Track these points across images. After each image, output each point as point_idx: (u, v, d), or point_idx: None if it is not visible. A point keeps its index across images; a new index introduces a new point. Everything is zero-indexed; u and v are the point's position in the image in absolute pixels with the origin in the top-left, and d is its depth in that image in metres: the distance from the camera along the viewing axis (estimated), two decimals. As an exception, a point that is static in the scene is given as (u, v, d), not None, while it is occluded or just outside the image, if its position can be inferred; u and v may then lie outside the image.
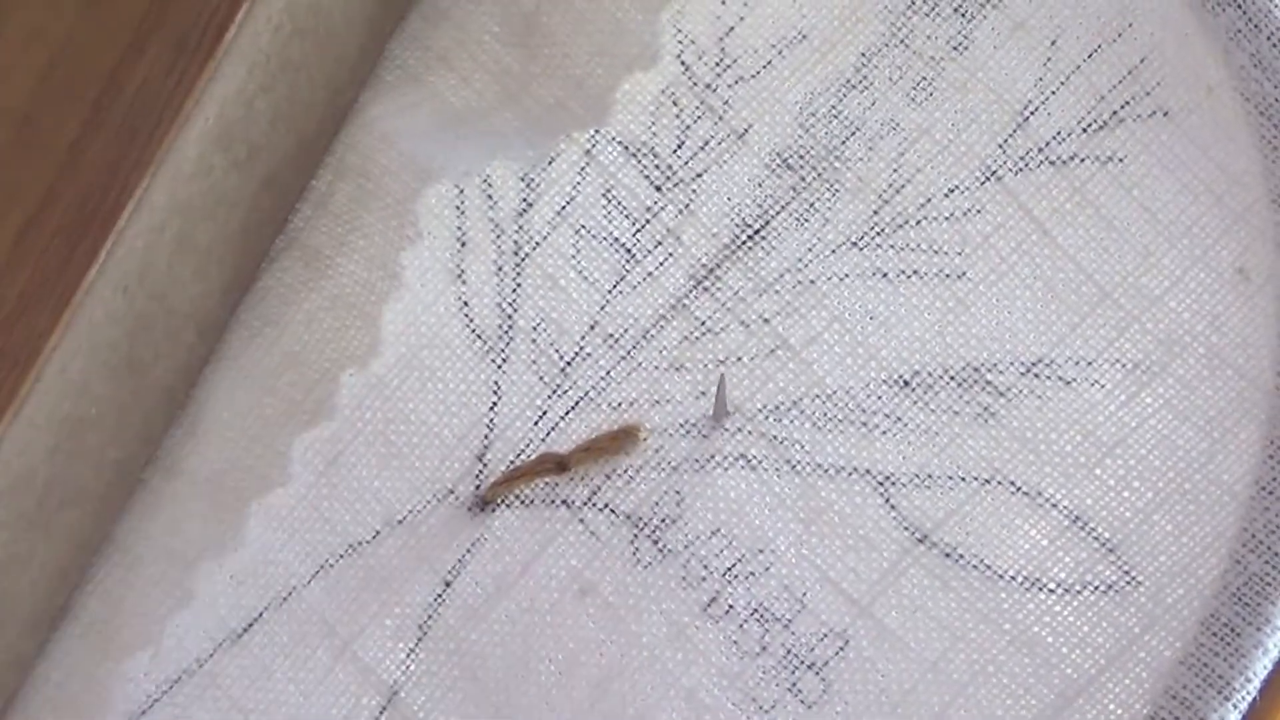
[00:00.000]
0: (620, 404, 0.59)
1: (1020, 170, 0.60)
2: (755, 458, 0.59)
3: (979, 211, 0.60)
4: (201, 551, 0.58)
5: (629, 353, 0.60)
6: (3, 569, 0.55)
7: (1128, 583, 0.58)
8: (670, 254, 0.60)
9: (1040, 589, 0.58)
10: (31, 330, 0.53)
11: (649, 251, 0.60)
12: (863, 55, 0.61)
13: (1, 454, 0.53)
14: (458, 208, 0.60)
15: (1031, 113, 0.60)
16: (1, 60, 0.54)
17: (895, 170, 0.60)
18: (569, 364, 0.60)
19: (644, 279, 0.60)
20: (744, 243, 0.60)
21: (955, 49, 0.60)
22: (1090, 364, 0.59)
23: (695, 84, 0.61)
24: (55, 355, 0.53)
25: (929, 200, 0.60)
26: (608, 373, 0.60)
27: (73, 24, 0.55)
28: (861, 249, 0.60)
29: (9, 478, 0.53)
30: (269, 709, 0.58)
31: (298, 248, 0.61)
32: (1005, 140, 0.60)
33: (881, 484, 0.59)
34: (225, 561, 0.59)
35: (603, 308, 0.60)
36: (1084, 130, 0.60)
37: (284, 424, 0.59)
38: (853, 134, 0.60)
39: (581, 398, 0.60)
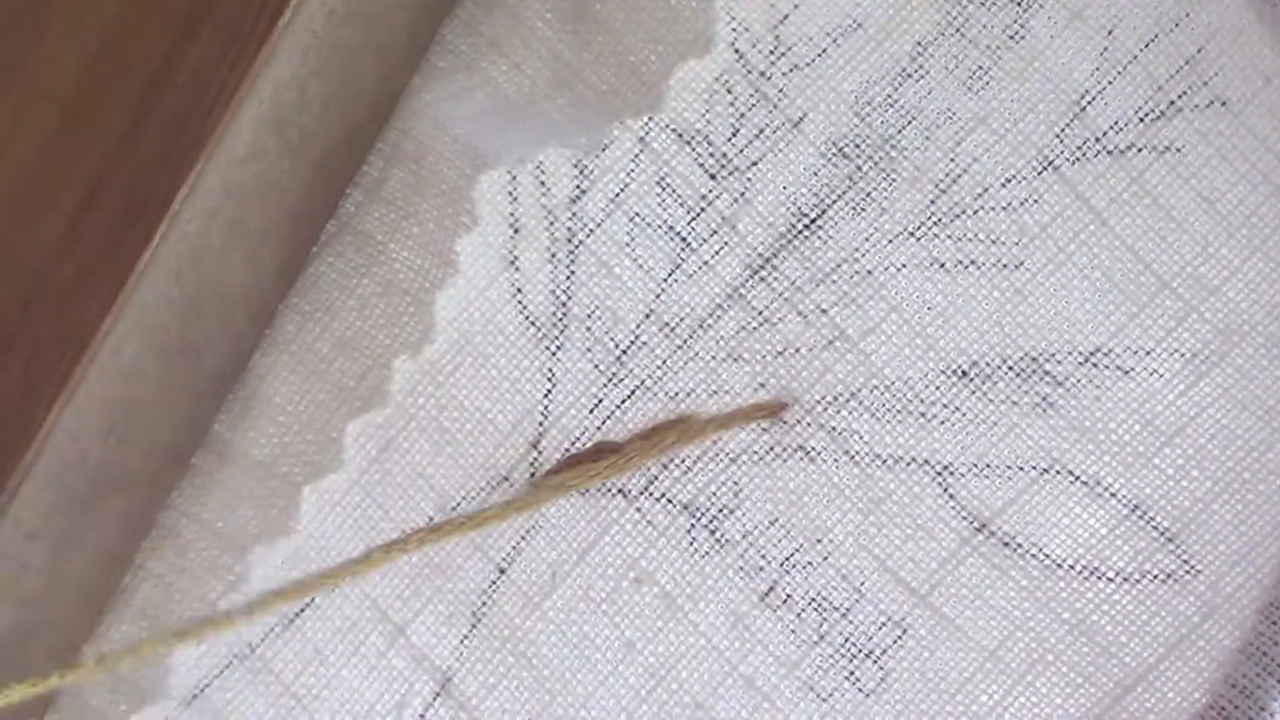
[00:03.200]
0: (677, 394, 0.59)
1: (1078, 160, 0.60)
2: (814, 449, 0.59)
3: (1036, 201, 0.60)
4: (254, 536, 0.59)
5: (685, 342, 0.60)
6: (55, 551, 0.55)
7: (1187, 571, 0.58)
8: (726, 243, 0.60)
9: (1099, 577, 0.58)
10: (85, 314, 0.52)
11: (704, 240, 0.60)
12: (918, 44, 0.60)
13: (54, 437, 0.53)
14: (510, 194, 0.60)
15: (1089, 102, 0.60)
16: (52, 46, 0.54)
17: (952, 160, 0.60)
18: (624, 352, 0.60)
19: (700, 267, 0.60)
20: (800, 232, 0.60)
21: (1012, 38, 0.60)
22: (1149, 353, 0.59)
23: (749, 71, 0.61)
24: (108, 339, 0.53)
25: (986, 190, 0.60)
26: (664, 362, 0.60)
27: (123, 8, 0.54)
28: (919, 239, 0.60)
29: (62, 460, 0.54)
30: (321, 693, 0.59)
31: (350, 233, 0.61)
32: (1062, 130, 0.60)
33: (940, 473, 0.59)
34: (277, 546, 0.59)
35: (658, 296, 0.60)
36: (1141, 120, 0.60)
37: (336, 409, 0.59)
38: (909, 123, 0.60)
39: (638, 386, 0.60)
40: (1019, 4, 0.60)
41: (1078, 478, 0.59)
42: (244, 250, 0.57)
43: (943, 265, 0.60)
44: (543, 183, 0.60)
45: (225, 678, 0.59)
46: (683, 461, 0.59)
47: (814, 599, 0.58)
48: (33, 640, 0.57)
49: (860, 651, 0.58)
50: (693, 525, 0.59)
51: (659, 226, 0.60)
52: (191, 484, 0.60)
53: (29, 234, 0.52)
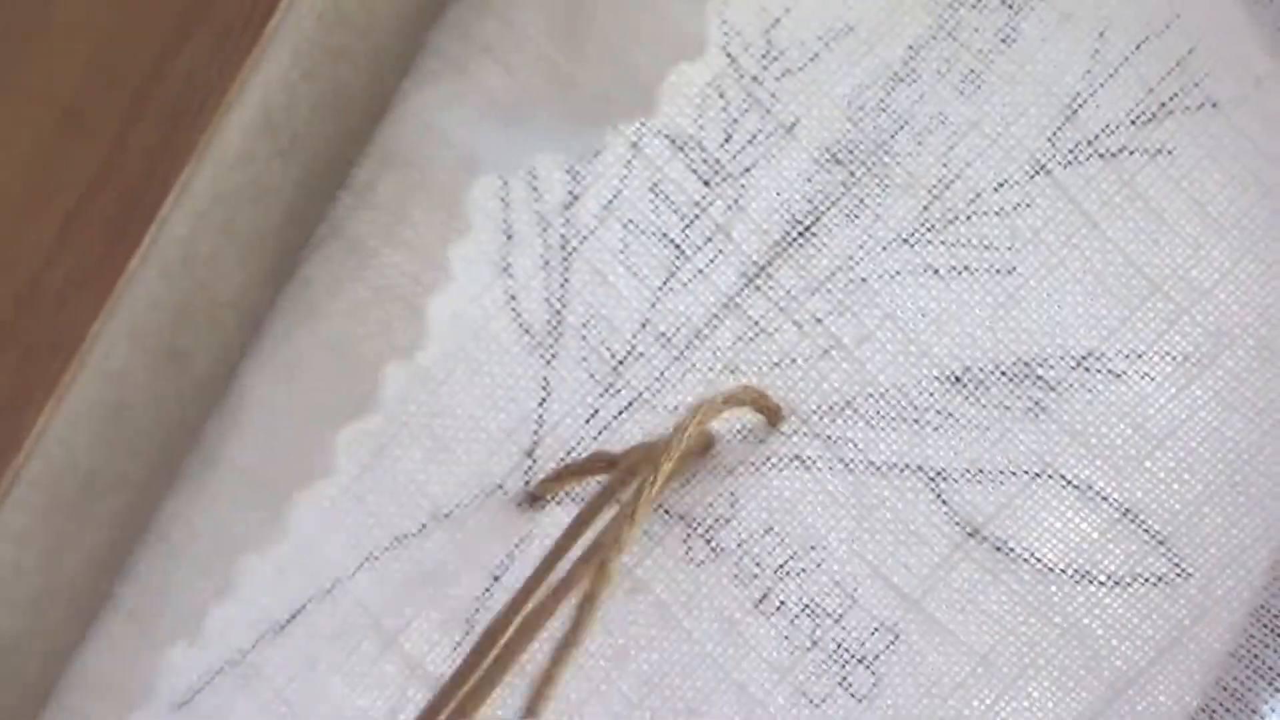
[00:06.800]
0: (676, 407, 0.59)
1: (1069, 164, 0.60)
2: (809, 458, 0.59)
3: (1029, 206, 0.60)
4: (243, 542, 0.58)
5: (682, 353, 0.60)
6: (44, 556, 0.55)
7: (1178, 575, 0.59)
8: (720, 250, 0.60)
9: (1090, 581, 0.59)
10: (74, 317, 0.53)
11: (699, 248, 0.60)
12: (910, 48, 0.60)
13: (43, 442, 0.53)
14: (503, 200, 0.60)
15: (1080, 105, 0.60)
16: (46, 50, 0.54)
17: (945, 165, 0.60)
18: (621, 363, 0.60)
19: (694, 276, 0.60)
20: (795, 239, 0.60)
21: (1003, 41, 0.60)
22: (1140, 357, 0.60)
23: (742, 76, 0.61)
24: (97, 343, 0.53)
25: (979, 195, 0.60)
26: (661, 374, 0.60)
27: (116, 13, 0.54)
28: (912, 245, 0.60)
29: (51, 466, 0.54)
30: (313, 700, 0.58)
31: (341, 237, 0.60)
32: (1054, 133, 0.60)
33: (933, 479, 0.59)
34: (267, 552, 0.58)
35: (654, 305, 0.60)
36: (1133, 122, 0.60)
37: (327, 415, 0.59)
38: (901, 128, 0.60)
39: (635, 398, 0.59)
40: (1010, 6, 0.60)
41: (1070, 482, 0.59)
42: (235, 254, 0.57)
43: (936, 271, 0.60)
44: (535, 188, 0.60)
45: (216, 683, 0.59)
46: (681, 473, 0.59)
47: (807, 605, 0.59)
48: (23, 644, 0.57)
49: (853, 657, 0.58)
50: (689, 535, 0.59)
51: (653, 233, 0.60)
52: (182, 489, 0.59)
53: (22, 237, 0.52)
